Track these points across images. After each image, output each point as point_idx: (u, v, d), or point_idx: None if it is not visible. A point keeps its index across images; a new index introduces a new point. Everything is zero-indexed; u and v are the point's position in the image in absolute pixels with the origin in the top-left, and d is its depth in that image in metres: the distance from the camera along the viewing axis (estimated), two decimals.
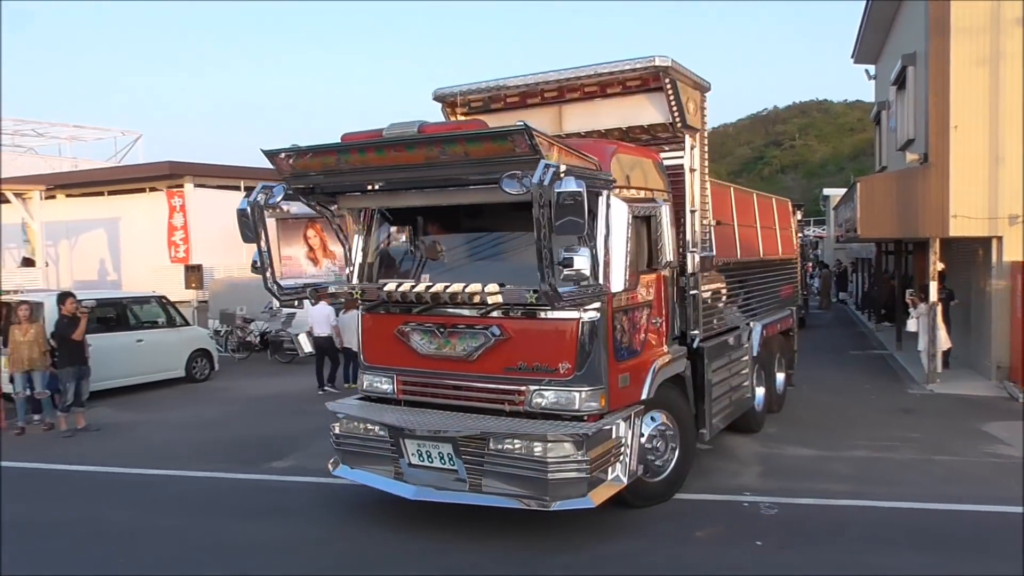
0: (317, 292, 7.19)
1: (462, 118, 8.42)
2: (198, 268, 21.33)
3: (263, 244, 6.41)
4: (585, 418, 6.14)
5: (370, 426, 6.87)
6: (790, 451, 9.10)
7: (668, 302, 7.34)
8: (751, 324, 9.77)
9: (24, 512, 7.59)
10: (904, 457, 8.81)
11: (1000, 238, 12.59)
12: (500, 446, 6.10)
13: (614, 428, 6.32)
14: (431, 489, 6.41)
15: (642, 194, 7.01)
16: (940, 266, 13.10)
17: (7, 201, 20.53)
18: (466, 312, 6.50)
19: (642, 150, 7.57)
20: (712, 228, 8.14)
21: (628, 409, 6.48)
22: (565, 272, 5.36)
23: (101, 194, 24.66)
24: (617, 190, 6.47)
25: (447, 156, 5.61)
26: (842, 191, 26.13)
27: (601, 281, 6.04)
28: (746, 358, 9.31)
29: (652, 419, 7.01)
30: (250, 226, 6.27)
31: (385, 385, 7.06)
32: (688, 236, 7.74)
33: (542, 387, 6.23)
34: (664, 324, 7.22)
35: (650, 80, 7.48)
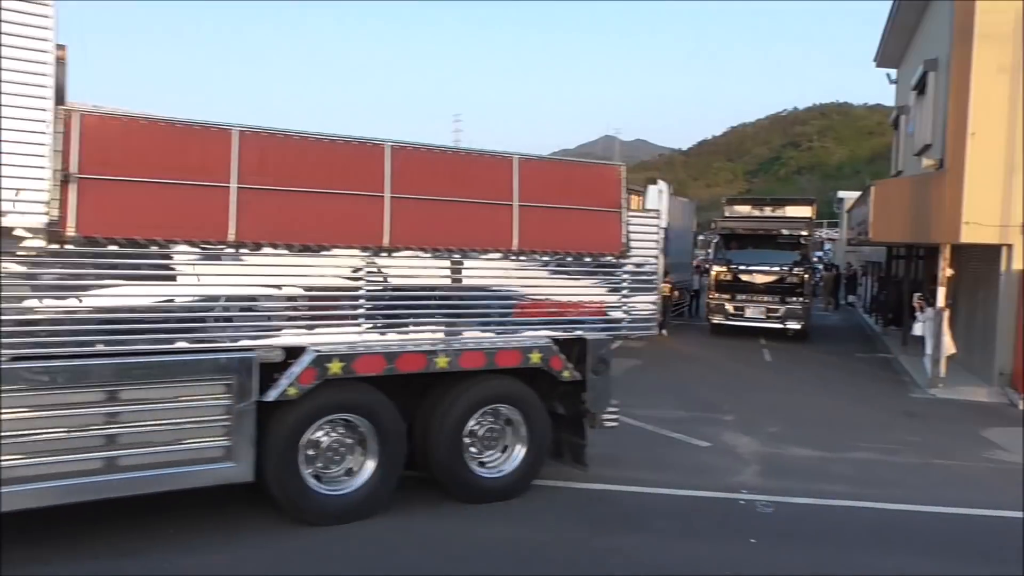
0: None
1: None
2: None
3: None
4: None
5: None
6: (791, 451, 9.04)
7: None
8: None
9: None
10: (904, 460, 8.75)
11: (1010, 246, 12.46)
12: None
13: None
14: None
15: None
16: (949, 272, 12.98)
17: None
18: None
19: None
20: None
21: None
22: None
23: None
24: None
25: None
26: (856, 194, 25.99)
27: None
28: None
29: None
30: None
31: None
32: None
33: None
34: None
35: None
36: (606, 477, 7.73)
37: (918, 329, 13.89)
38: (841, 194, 38.46)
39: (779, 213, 21.51)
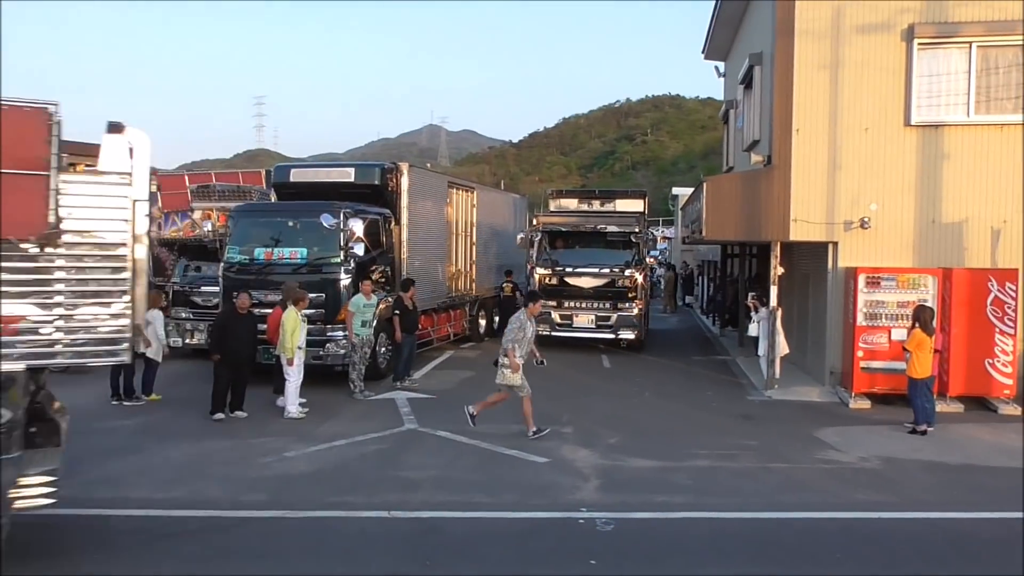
0: None
1: None
2: None
3: None
4: None
5: None
6: (631, 463, 9.35)
7: None
8: None
9: None
10: (742, 466, 9.29)
11: (836, 244, 13.59)
12: None
13: None
14: None
15: None
16: (781, 270, 13.97)
17: None
18: None
19: None
20: None
21: None
22: None
23: None
24: None
25: None
26: (691, 190, 27.43)
27: None
28: None
29: None
30: None
31: None
32: None
33: None
34: None
35: None
36: (437, 503, 7.68)
37: (753, 330, 14.85)
38: (676, 190, 40.73)
39: (609, 208, 21.34)
